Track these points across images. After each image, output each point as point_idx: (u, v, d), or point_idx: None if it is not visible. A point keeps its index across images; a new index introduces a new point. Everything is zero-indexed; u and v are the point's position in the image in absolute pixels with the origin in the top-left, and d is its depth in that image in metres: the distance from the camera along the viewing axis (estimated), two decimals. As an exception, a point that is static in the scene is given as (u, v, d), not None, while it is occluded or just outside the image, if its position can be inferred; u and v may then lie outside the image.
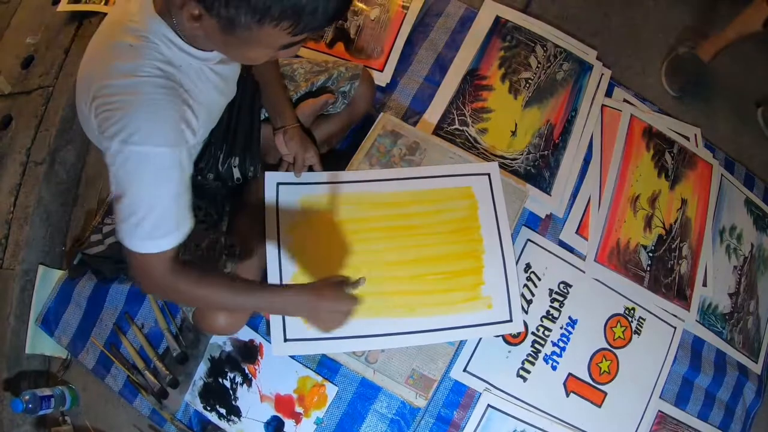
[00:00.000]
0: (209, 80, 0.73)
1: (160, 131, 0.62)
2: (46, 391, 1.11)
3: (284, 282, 0.99)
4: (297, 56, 1.28)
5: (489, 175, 1.10)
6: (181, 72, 0.67)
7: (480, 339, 1.13)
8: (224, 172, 0.98)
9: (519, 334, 1.16)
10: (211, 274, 0.77)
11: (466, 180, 1.10)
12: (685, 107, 1.49)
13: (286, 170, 1.06)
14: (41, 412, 1.09)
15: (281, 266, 1.00)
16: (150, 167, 0.62)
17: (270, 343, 1.08)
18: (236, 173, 0.99)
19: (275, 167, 1.07)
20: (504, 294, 1.02)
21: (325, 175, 1.07)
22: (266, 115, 1.06)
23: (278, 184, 1.05)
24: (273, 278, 0.99)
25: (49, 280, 1.20)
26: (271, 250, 1.01)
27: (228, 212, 1.04)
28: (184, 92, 0.67)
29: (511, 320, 1.01)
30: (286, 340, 0.96)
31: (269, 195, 1.03)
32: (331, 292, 0.80)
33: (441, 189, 1.09)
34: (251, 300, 0.78)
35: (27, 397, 1.06)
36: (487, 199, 1.08)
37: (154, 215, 0.64)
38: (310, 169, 1.06)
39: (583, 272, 1.23)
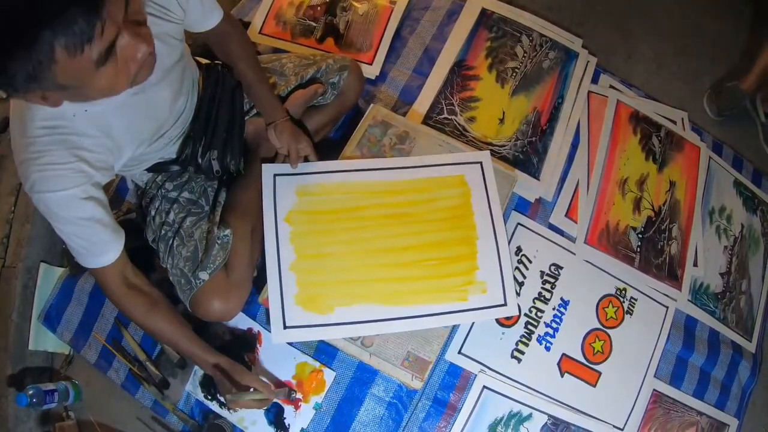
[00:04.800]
0: (120, 115, 0.77)
1: (51, 181, 0.71)
2: (50, 386, 1.13)
3: (282, 271, 1.01)
4: (285, 52, 1.31)
5: (481, 163, 1.13)
6: (74, 120, 0.72)
7: (474, 321, 1.15)
8: (204, 165, 1.01)
9: (512, 316, 1.18)
10: (161, 308, 0.90)
11: (459, 168, 1.12)
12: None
13: (282, 162, 1.09)
14: (45, 407, 1.11)
15: (279, 255, 1.02)
16: (55, 207, 0.74)
17: (269, 331, 1.11)
18: (215, 166, 1.01)
19: (272, 161, 1.10)
20: (498, 278, 1.04)
21: (320, 165, 1.10)
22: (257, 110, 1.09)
23: (275, 175, 1.07)
24: (271, 266, 1.01)
25: (50, 277, 1.23)
26: (269, 239, 1.03)
27: (221, 204, 1.07)
28: (80, 138, 0.74)
29: (505, 304, 1.03)
30: (285, 327, 0.98)
31: (266, 186, 1.06)
32: (224, 384, 0.94)
33: (434, 177, 1.11)
34: (183, 350, 0.95)
35: (31, 392, 1.08)
36: (479, 187, 1.10)
37: (82, 240, 0.78)
38: (306, 159, 1.09)
39: (574, 254, 1.25)
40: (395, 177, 1.11)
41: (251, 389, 0.95)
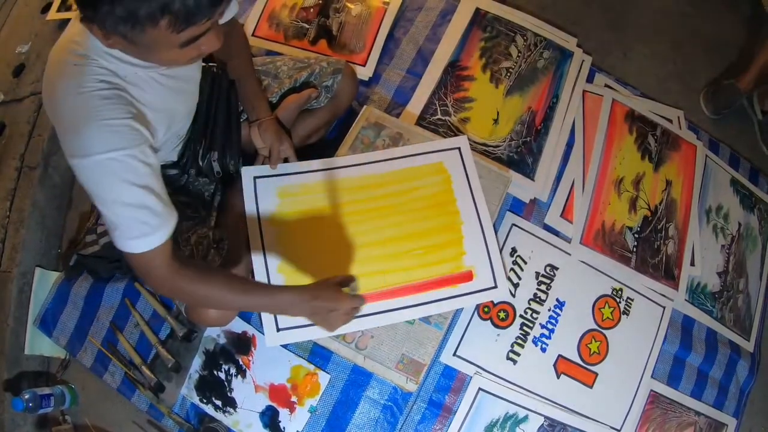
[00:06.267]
0: (162, 85, 0.77)
1: (111, 137, 0.66)
2: (46, 390, 1.13)
3: (270, 273, 1.01)
4: (280, 54, 1.31)
5: (459, 148, 1.12)
6: (126, 82, 0.72)
7: (468, 323, 1.15)
8: (205, 167, 1.01)
9: (507, 317, 1.17)
10: (212, 272, 0.80)
11: (438, 156, 1.12)
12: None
13: (262, 163, 1.08)
14: (41, 411, 1.12)
15: (266, 258, 1.02)
16: (109, 172, 0.66)
17: (263, 334, 1.11)
18: (216, 167, 1.02)
19: (252, 160, 1.10)
20: (486, 262, 1.03)
21: (300, 165, 1.09)
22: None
23: (255, 178, 1.07)
24: (259, 270, 1.01)
25: (46, 281, 1.23)
26: (254, 243, 1.02)
27: (216, 208, 1.06)
28: (131, 98, 0.72)
29: (496, 286, 1.02)
30: (278, 329, 0.98)
31: (247, 190, 1.06)
32: (330, 292, 0.86)
33: (414, 167, 1.11)
34: (253, 300, 0.82)
35: (27, 396, 1.09)
36: (459, 172, 1.10)
37: (133, 215, 0.68)
38: (285, 161, 1.08)
39: (569, 255, 1.24)
40: (375, 170, 1.10)
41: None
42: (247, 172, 1.07)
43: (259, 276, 1.01)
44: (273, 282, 1.00)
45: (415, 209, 1.07)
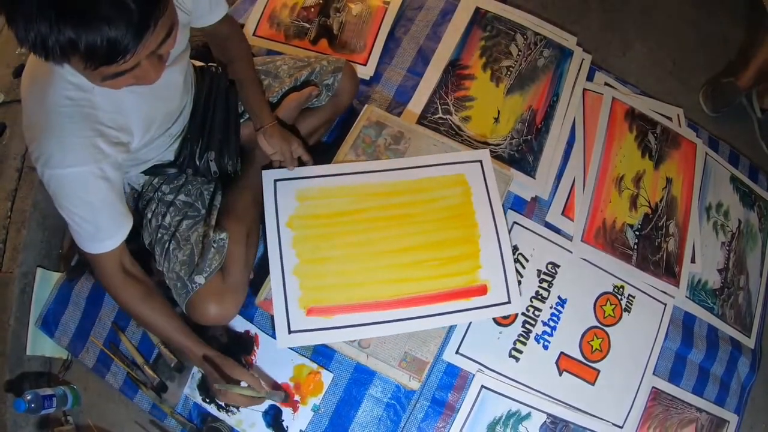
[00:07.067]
0: (133, 92, 0.76)
1: (69, 155, 0.70)
2: (48, 391, 1.13)
3: (287, 274, 1.01)
4: (280, 54, 1.32)
5: (481, 162, 1.13)
6: (93, 93, 0.72)
7: (471, 321, 1.15)
8: (202, 167, 1.01)
9: (509, 315, 1.18)
10: (155, 298, 0.89)
11: (459, 168, 1.12)
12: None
13: (279, 167, 1.09)
14: (43, 412, 1.11)
15: (282, 260, 1.02)
16: (68, 186, 0.72)
17: (266, 333, 1.11)
18: (213, 167, 1.02)
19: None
20: (501, 277, 1.04)
21: (319, 169, 1.10)
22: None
23: (275, 180, 1.08)
24: (274, 271, 1.01)
25: (47, 282, 1.23)
26: (271, 244, 1.03)
27: (217, 207, 1.07)
28: (99, 113, 0.73)
29: (509, 302, 1.03)
30: (290, 332, 0.98)
31: (267, 192, 1.06)
32: (226, 377, 0.93)
33: (435, 177, 1.11)
34: (175, 341, 0.93)
35: (29, 397, 1.08)
36: (480, 185, 1.10)
37: (88, 223, 0.76)
38: (301, 162, 1.09)
39: (571, 252, 1.25)
40: (395, 178, 1.10)
41: (242, 383, 0.94)
42: (268, 175, 1.07)
43: (274, 277, 1.01)
44: (288, 284, 1.00)
45: (434, 219, 1.08)
